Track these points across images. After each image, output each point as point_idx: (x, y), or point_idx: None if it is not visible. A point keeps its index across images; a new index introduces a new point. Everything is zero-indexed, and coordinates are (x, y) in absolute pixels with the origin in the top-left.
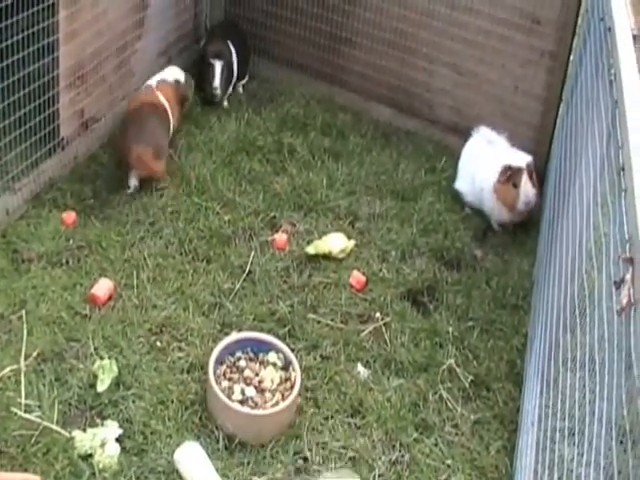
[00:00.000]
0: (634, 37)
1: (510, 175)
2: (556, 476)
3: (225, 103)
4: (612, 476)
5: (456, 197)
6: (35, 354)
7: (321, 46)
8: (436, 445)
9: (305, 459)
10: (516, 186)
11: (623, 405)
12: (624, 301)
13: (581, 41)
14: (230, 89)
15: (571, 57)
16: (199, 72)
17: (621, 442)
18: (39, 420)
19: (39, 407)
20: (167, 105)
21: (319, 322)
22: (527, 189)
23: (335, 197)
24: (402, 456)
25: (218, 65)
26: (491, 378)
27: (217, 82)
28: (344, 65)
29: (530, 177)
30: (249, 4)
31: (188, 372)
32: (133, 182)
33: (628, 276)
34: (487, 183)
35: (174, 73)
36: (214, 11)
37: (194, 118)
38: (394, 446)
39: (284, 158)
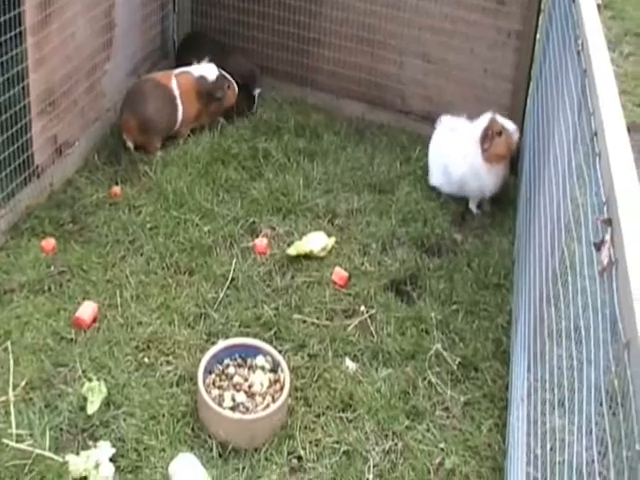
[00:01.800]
0: (598, 6)
1: (488, 132)
2: (549, 447)
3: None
4: (603, 441)
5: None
6: (23, 383)
7: (290, 49)
8: (428, 430)
9: (299, 458)
10: (500, 134)
11: (611, 367)
12: (605, 261)
13: (547, 17)
14: None
15: (537, 35)
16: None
17: (610, 407)
18: (31, 448)
19: (30, 435)
20: (177, 92)
21: (304, 321)
22: (507, 127)
23: (313, 197)
24: (395, 444)
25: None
26: (478, 358)
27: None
28: (314, 65)
29: (502, 122)
30: (215, 14)
31: (177, 385)
32: (128, 143)
33: (607, 237)
34: (473, 164)
35: (205, 69)
36: (181, 25)
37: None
38: (387, 435)
39: (259, 163)
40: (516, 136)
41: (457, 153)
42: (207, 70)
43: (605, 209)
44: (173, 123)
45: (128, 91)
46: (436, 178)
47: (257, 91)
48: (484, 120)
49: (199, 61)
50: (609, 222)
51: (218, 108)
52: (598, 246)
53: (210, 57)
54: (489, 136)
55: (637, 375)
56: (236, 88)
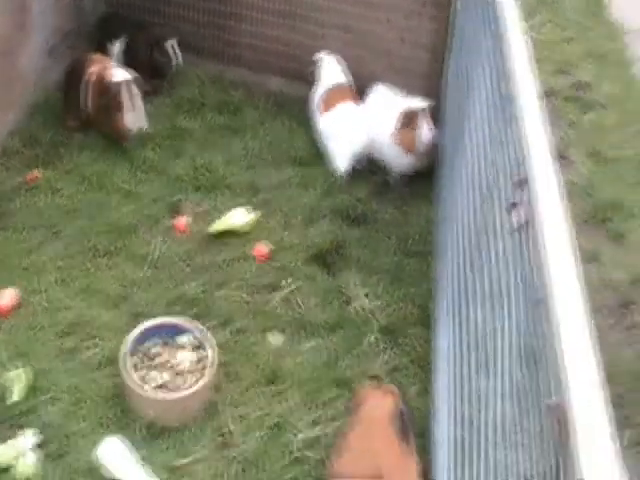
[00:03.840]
0: None
1: (409, 118)
2: (474, 408)
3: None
4: (522, 397)
5: None
6: None
7: (209, 24)
8: None
9: (228, 433)
10: (415, 128)
11: (528, 327)
12: (520, 220)
13: None
14: None
15: (453, 3)
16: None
17: (530, 365)
18: None
19: None
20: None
21: (228, 298)
22: (426, 129)
23: (235, 173)
24: (322, 415)
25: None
26: (404, 325)
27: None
28: (234, 40)
29: (428, 119)
30: None
31: (103, 368)
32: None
33: (522, 197)
34: (387, 133)
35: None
36: (97, 4)
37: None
38: (315, 406)
39: (181, 141)
40: (431, 141)
41: (383, 120)
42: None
43: (520, 171)
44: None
45: None
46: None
47: (171, 42)
48: (417, 102)
49: (114, 41)
50: (523, 183)
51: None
52: (513, 207)
53: (125, 36)
54: (405, 121)
55: (550, 330)
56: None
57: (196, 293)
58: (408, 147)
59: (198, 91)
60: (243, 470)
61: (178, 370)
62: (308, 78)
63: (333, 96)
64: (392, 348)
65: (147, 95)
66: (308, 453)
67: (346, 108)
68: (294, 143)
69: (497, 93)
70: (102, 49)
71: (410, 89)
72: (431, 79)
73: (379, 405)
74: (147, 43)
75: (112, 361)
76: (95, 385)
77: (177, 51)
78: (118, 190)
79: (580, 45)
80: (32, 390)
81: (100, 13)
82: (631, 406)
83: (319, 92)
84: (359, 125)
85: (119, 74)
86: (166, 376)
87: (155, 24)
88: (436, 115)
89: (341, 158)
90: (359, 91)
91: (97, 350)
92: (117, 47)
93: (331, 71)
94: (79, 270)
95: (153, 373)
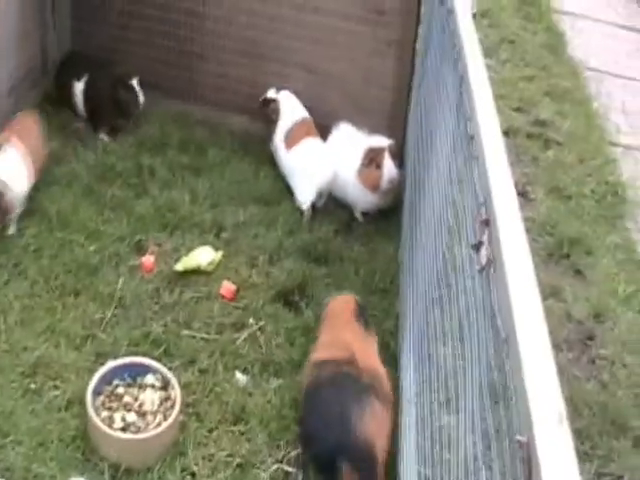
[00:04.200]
0: (473, 15)
1: (373, 156)
2: (438, 446)
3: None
4: (487, 435)
5: None
6: None
7: (173, 64)
8: None
9: (193, 474)
10: (379, 166)
11: (492, 363)
12: (483, 260)
13: (425, 26)
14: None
15: (417, 44)
16: (108, 102)
17: (496, 402)
18: None
19: None
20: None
21: (194, 337)
22: (390, 167)
23: (199, 211)
24: (288, 453)
25: (135, 83)
26: None
27: (142, 99)
28: (197, 80)
29: (392, 157)
30: (96, 32)
31: (66, 409)
32: None
33: (485, 237)
34: (351, 171)
35: None
36: (61, 43)
37: (50, 153)
38: (278, 446)
39: (145, 180)
40: (397, 180)
41: (348, 158)
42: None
43: (483, 210)
44: None
45: None
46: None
47: (135, 80)
48: (382, 141)
49: (78, 79)
50: (486, 222)
51: None
52: (477, 247)
53: (87, 75)
54: (370, 159)
55: (516, 368)
56: None
57: (161, 332)
58: (372, 186)
59: (162, 130)
60: None
61: (143, 410)
62: (268, 116)
63: (298, 131)
64: None
65: (111, 134)
66: None
67: (311, 143)
68: (258, 182)
69: (459, 132)
70: (63, 88)
71: (374, 128)
72: (395, 118)
73: (343, 306)
74: (112, 81)
75: (77, 402)
76: (60, 426)
77: (139, 89)
78: (83, 228)
79: (541, 83)
80: None
81: (65, 51)
82: (594, 439)
83: (283, 127)
84: (324, 161)
85: None
86: (131, 416)
87: (117, 62)
88: (401, 154)
89: (306, 194)
90: (323, 130)
91: (61, 391)
92: (79, 86)
93: (292, 106)
94: (44, 309)
95: (118, 413)
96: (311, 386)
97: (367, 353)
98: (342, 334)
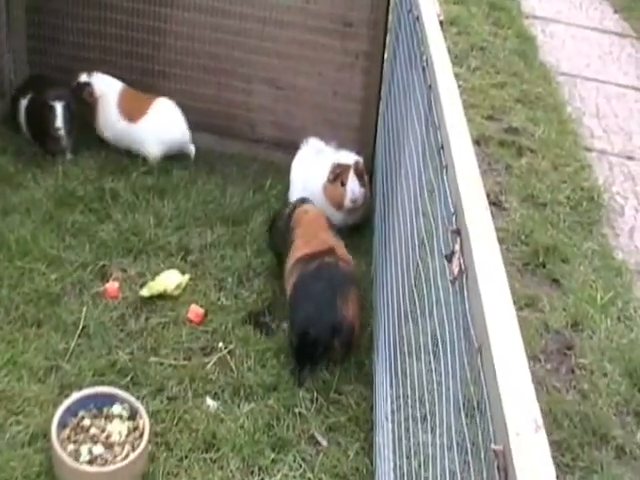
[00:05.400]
0: (441, 23)
1: (338, 173)
2: (414, 463)
3: (69, 155)
4: (464, 448)
5: None
6: None
7: (134, 82)
8: (295, 461)
9: None
10: (343, 184)
11: (466, 374)
12: (456, 270)
13: (393, 36)
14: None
15: (385, 55)
16: (35, 122)
17: (472, 415)
18: None
19: None
20: None
21: (162, 364)
22: (354, 186)
23: (164, 234)
24: (264, 478)
25: (59, 106)
26: (341, 382)
27: (59, 123)
28: None
29: (358, 175)
30: (54, 52)
31: (30, 444)
32: None
33: (457, 246)
34: (317, 185)
35: None
36: (18, 65)
37: (7, 179)
38: (252, 472)
39: (107, 204)
40: (361, 198)
41: (316, 172)
42: None
43: (454, 220)
44: None
45: None
46: (294, 195)
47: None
48: (349, 157)
49: (24, 98)
50: (458, 232)
51: None
52: (449, 257)
53: (31, 94)
54: (335, 175)
55: (490, 377)
56: None
57: (128, 360)
58: (336, 203)
59: (124, 151)
60: None
61: (111, 442)
62: (86, 101)
63: (131, 101)
64: (329, 407)
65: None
66: None
67: (157, 108)
68: (225, 201)
69: (429, 142)
70: (14, 108)
71: (343, 142)
72: (364, 131)
73: (316, 216)
74: (39, 104)
75: (41, 436)
76: (23, 462)
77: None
78: (44, 256)
79: (512, 90)
80: None
81: (22, 72)
82: (575, 450)
83: (112, 103)
84: (295, 176)
85: None
86: (98, 449)
87: (61, 84)
88: (371, 167)
89: (154, 146)
90: (290, 146)
91: (24, 425)
92: (23, 104)
93: (107, 83)
94: (5, 342)
95: (85, 446)
96: (299, 280)
97: (341, 247)
98: (319, 234)
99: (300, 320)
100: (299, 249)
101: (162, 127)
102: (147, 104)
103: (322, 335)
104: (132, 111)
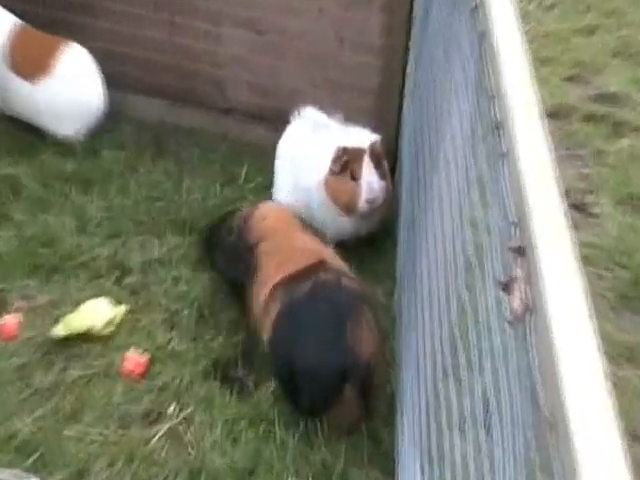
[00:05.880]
0: None
1: (346, 161)
2: None
3: None
4: None
5: None
6: None
7: (41, 18)
8: None
9: None
10: (355, 177)
11: (532, 460)
12: (517, 306)
13: None
14: None
15: None
16: None
17: None
18: None
19: None
20: None
21: (84, 437)
22: (370, 179)
23: (89, 245)
24: None
25: None
26: (349, 465)
27: None
28: (84, 44)
29: (376, 163)
30: None
31: None
32: None
33: (519, 271)
34: (315, 179)
35: None
36: None
37: None
38: None
39: (5, 200)
40: (382, 197)
41: (313, 161)
42: None
43: (516, 233)
44: None
45: None
46: (281, 193)
47: None
48: (362, 138)
49: None
50: (521, 251)
51: None
52: (508, 287)
53: None
54: (342, 164)
55: (568, 464)
56: None
57: (35, 431)
58: (345, 205)
59: (30, 125)
60: None
61: None
62: None
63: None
64: None
65: None
66: None
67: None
68: (179, 198)
69: (478, 117)
70: None
71: (353, 114)
72: (384, 99)
73: (275, 216)
74: None
75: None
76: None
77: None
78: None
79: (607, 37)
80: None
81: None
82: None
83: None
84: (282, 164)
85: None
86: None
87: None
88: (394, 152)
89: (69, 124)
90: (275, 118)
91: None
92: None
93: None
94: None
95: None
96: (287, 310)
97: (333, 255)
98: (295, 242)
99: (292, 363)
100: (273, 274)
101: (75, 92)
102: (52, 54)
103: (326, 381)
104: (30, 65)
